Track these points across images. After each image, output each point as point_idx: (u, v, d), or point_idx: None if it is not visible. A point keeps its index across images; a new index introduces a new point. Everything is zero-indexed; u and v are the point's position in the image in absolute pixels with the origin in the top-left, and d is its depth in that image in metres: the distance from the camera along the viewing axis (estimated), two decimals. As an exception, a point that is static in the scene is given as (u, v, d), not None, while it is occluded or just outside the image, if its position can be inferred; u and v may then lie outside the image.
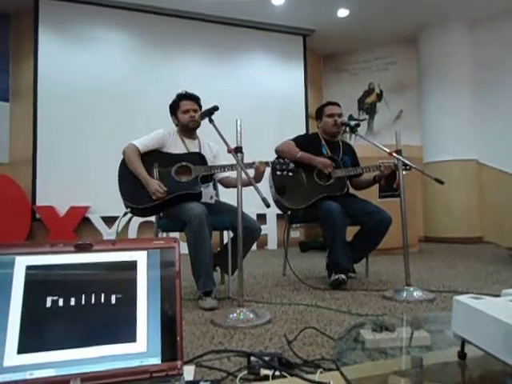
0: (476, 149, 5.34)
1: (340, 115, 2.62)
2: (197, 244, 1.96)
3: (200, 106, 2.33)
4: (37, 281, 0.88)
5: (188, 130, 2.32)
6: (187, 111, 2.27)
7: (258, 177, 2.10)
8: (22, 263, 0.88)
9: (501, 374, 0.87)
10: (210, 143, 2.44)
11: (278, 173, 2.14)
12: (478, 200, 5.33)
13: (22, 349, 0.83)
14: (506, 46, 5.26)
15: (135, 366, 0.87)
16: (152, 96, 4.76)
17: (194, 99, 2.32)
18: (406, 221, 2.19)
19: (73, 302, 0.88)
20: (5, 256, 0.87)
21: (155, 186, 2.09)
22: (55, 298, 0.87)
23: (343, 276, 2.29)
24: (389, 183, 2.61)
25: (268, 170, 2.35)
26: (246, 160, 1.97)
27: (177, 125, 2.36)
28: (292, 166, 2.09)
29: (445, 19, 5.36)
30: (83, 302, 0.88)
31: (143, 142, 2.21)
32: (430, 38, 5.57)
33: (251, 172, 2.04)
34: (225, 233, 2.37)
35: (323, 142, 2.65)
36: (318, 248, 4.49)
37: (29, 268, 0.88)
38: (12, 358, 0.82)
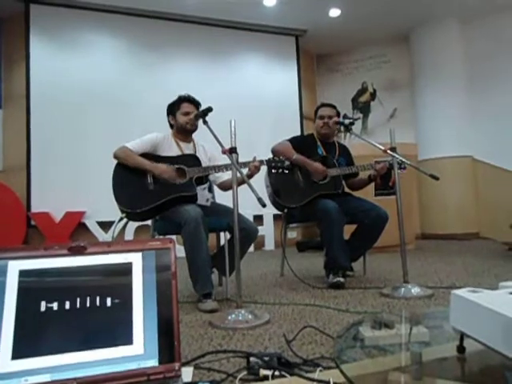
0: (471, 145, 5.37)
1: (330, 117, 2.60)
2: (193, 246, 1.95)
3: None
4: (30, 285, 0.86)
5: (184, 133, 2.31)
6: (187, 113, 2.26)
7: (255, 171, 2.05)
8: (15, 268, 0.87)
9: (500, 368, 0.86)
10: (206, 146, 2.43)
11: (274, 171, 2.13)
12: (473, 196, 5.35)
13: (17, 354, 0.81)
14: (498, 41, 5.30)
15: (132, 369, 0.86)
16: (146, 99, 4.75)
17: (196, 104, 2.31)
18: (403, 218, 2.19)
19: (67, 305, 0.86)
20: (-3, 261, 0.86)
21: (163, 166, 2.10)
22: (49, 302, 0.86)
23: (341, 280, 2.29)
24: (384, 181, 2.61)
25: (264, 170, 2.34)
26: (241, 161, 1.96)
27: (172, 126, 2.35)
28: (287, 163, 2.08)
29: (436, 17, 5.39)
30: (78, 306, 0.87)
31: (135, 145, 2.18)
32: (423, 36, 5.60)
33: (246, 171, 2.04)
34: (221, 234, 2.36)
35: (318, 143, 2.65)
36: (314, 247, 4.49)
37: (22, 272, 0.87)
38: (6, 364, 0.80)
